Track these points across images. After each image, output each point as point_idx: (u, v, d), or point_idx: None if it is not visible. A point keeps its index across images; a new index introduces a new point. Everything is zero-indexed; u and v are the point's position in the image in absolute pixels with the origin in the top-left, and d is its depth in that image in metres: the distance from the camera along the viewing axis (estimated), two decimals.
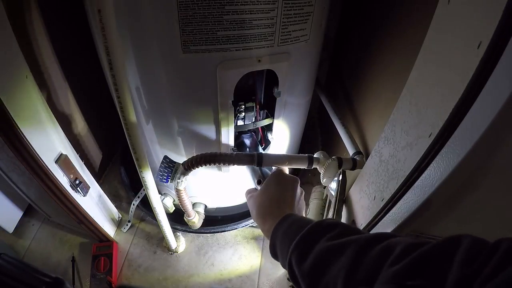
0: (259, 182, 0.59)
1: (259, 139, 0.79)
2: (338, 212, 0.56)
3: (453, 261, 0.19)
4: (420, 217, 0.35)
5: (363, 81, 0.76)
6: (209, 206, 0.99)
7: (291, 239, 0.34)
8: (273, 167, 0.59)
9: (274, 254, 0.39)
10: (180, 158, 0.74)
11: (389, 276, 0.22)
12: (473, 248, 0.19)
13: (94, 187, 0.92)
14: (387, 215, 0.40)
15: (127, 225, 1.07)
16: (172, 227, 0.90)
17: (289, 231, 0.37)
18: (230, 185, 0.91)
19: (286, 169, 0.57)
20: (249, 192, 0.55)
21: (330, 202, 0.69)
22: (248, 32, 0.52)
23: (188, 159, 0.58)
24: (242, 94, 0.65)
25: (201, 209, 0.95)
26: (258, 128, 0.76)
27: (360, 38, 0.82)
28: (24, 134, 0.61)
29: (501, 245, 0.18)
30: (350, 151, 0.67)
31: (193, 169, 0.58)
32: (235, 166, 0.59)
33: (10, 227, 1.04)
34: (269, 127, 0.78)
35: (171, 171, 0.62)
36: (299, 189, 0.51)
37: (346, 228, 0.33)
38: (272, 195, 0.48)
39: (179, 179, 0.61)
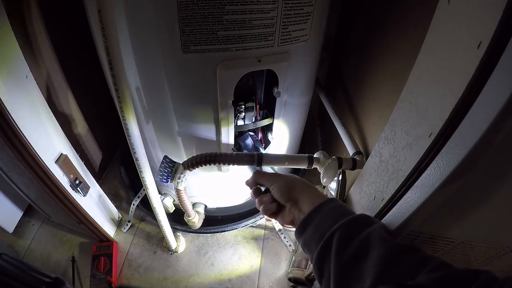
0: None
1: (259, 139, 0.79)
2: None
3: (471, 285, 0.23)
4: (420, 217, 0.35)
5: (363, 81, 0.76)
6: (209, 206, 0.99)
7: (338, 217, 0.35)
8: (275, 167, 0.59)
9: (304, 228, 0.38)
10: (180, 158, 0.74)
11: (426, 280, 0.25)
12: (489, 279, 0.23)
13: (94, 187, 0.92)
14: (387, 215, 0.40)
15: (127, 225, 1.07)
16: (172, 227, 0.90)
17: (337, 210, 0.37)
18: (230, 185, 0.91)
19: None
20: (256, 190, 0.49)
21: None
22: (248, 32, 0.52)
23: (188, 159, 0.58)
24: (242, 94, 0.65)
25: (201, 209, 0.95)
26: (258, 128, 0.76)
27: (360, 38, 0.82)
28: (24, 134, 0.61)
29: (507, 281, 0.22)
30: (350, 151, 0.67)
31: (193, 169, 0.58)
32: (235, 166, 0.59)
33: (10, 227, 1.05)
34: (269, 127, 0.78)
35: (171, 171, 0.62)
36: None
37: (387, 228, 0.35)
38: (294, 177, 0.46)
39: (179, 179, 0.61)
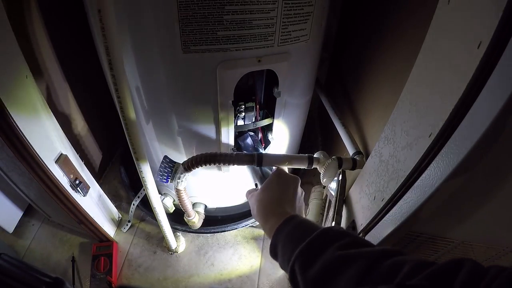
0: (256, 186, 0.59)
1: (259, 139, 0.79)
2: (338, 212, 0.56)
3: (454, 282, 0.21)
4: (420, 217, 0.35)
5: (363, 81, 0.76)
6: (209, 206, 0.99)
7: (296, 243, 0.34)
8: (274, 167, 0.59)
9: (274, 254, 0.39)
10: (180, 158, 0.74)
11: (423, 281, 0.23)
12: (473, 271, 0.21)
13: (94, 187, 0.92)
14: (387, 215, 0.40)
15: (127, 225, 1.07)
16: (172, 227, 0.90)
17: (293, 234, 0.36)
18: (230, 185, 0.91)
19: (286, 169, 0.57)
20: (250, 192, 0.54)
21: (330, 202, 0.69)
22: (248, 32, 0.52)
23: (188, 159, 0.58)
24: (242, 94, 0.65)
25: (201, 209, 0.95)
26: (258, 128, 0.76)
27: (360, 38, 0.82)
28: (24, 134, 0.61)
29: (490, 270, 0.21)
30: (350, 151, 0.67)
31: (193, 169, 0.58)
32: (235, 166, 0.59)
33: (10, 227, 1.04)
34: (269, 127, 0.78)
35: (171, 171, 0.62)
36: (299, 189, 0.51)
37: (355, 238, 0.33)
38: (274, 193, 0.47)
39: (179, 179, 0.61)
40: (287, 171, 0.56)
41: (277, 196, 0.47)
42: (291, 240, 0.36)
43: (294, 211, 0.45)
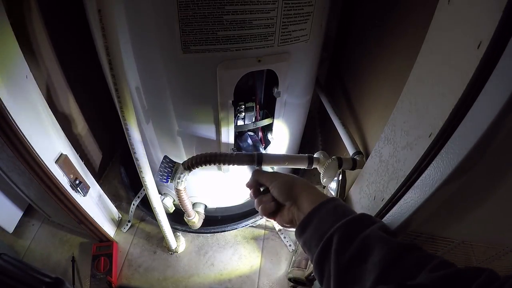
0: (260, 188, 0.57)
1: (259, 139, 0.79)
2: None
3: (472, 284, 0.23)
4: (420, 217, 0.35)
5: (363, 81, 0.76)
6: (209, 206, 0.99)
7: (337, 218, 0.34)
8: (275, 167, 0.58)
9: (303, 229, 0.37)
10: (180, 158, 0.74)
11: (427, 280, 0.25)
12: (491, 276, 0.23)
13: (94, 187, 0.92)
14: (387, 215, 0.40)
15: (127, 225, 1.07)
16: (172, 227, 0.90)
17: (336, 210, 0.37)
18: (230, 185, 0.91)
19: None
20: (261, 170, 0.49)
21: None
22: (248, 32, 0.52)
23: (188, 159, 0.58)
24: (242, 94, 0.65)
25: (201, 209, 0.95)
26: (258, 128, 0.76)
27: (360, 38, 0.82)
28: (24, 134, 0.61)
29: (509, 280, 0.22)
30: (350, 151, 0.67)
31: (193, 169, 0.58)
32: (235, 166, 0.59)
33: (10, 227, 1.04)
34: (269, 127, 0.78)
35: (171, 171, 0.62)
36: None
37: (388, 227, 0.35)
38: (293, 176, 0.45)
39: (179, 179, 0.61)
40: (287, 171, 0.56)
41: (300, 179, 0.45)
42: (332, 216, 0.36)
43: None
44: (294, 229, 0.40)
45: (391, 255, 0.29)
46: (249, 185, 0.47)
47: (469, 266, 0.25)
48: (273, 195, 0.43)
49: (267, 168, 0.62)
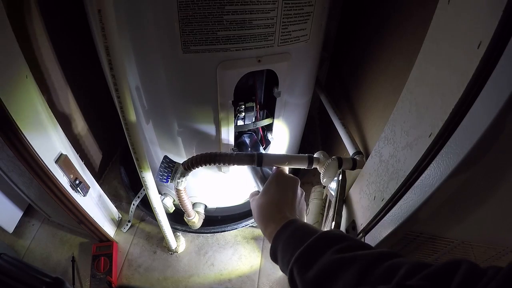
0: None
1: (259, 139, 0.79)
2: (338, 212, 0.56)
3: (451, 283, 0.21)
4: (420, 217, 0.35)
5: (363, 81, 0.76)
6: (209, 206, 0.99)
7: (294, 247, 0.34)
8: (274, 167, 0.59)
9: (275, 258, 0.39)
10: (180, 158, 0.74)
11: (422, 281, 0.23)
12: (470, 272, 0.21)
13: (94, 187, 0.92)
14: (387, 215, 0.40)
15: (127, 225, 1.07)
16: (172, 227, 0.90)
17: (292, 238, 0.37)
18: (230, 185, 0.91)
19: (286, 169, 0.57)
20: (253, 195, 0.54)
21: (330, 202, 0.69)
22: (248, 32, 0.52)
23: (188, 159, 0.58)
24: (242, 94, 0.65)
25: (201, 209, 0.95)
26: (258, 128, 0.76)
27: (360, 38, 0.82)
28: (24, 134, 0.61)
29: (488, 271, 0.20)
30: (350, 151, 0.67)
31: (193, 169, 0.58)
32: (235, 166, 0.59)
33: (10, 227, 1.04)
34: (269, 127, 0.78)
35: (171, 171, 0.62)
36: (299, 190, 0.51)
37: (353, 241, 0.33)
38: (273, 197, 0.47)
39: (179, 179, 0.61)
40: (287, 171, 0.56)
41: (276, 199, 0.47)
42: (289, 244, 0.36)
43: (294, 213, 0.45)
44: None
45: (356, 276, 0.27)
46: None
47: (441, 264, 0.23)
48: None
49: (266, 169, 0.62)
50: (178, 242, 0.99)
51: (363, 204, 0.49)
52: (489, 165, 0.28)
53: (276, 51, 0.58)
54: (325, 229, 0.56)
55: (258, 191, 0.57)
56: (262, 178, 0.60)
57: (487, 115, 0.24)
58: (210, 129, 0.68)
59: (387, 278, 0.25)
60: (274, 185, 0.49)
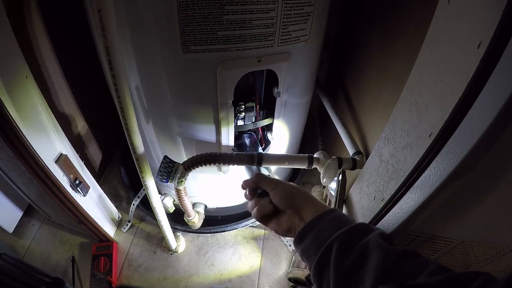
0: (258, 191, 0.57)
1: (259, 139, 0.79)
2: None
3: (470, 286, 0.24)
4: (420, 217, 0.35)
5: (363, 81, 0.76)
6: (209, 206, 0.99)
7: (336, 228, 0.35)
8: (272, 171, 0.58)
9: (302, 238, 0.38)
10: (180, 158, 0.74)
11: (427, 282, 0.26)
12: (485, 281, 0.23)
13: (94, 187, 0.92)
14: (387, 215, 0.40)
15: (127, 225, 1.07)
16: (172, 227, 0.90)
17: (336, 220, 0.37)
18: (230, 185, 0.91)
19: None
20: (264, 175, 0.48)
21: (330, 202, 0.69)
22: (248, 32, 0.52)
23: (188, 159, 0.58)
24: (242, 94, 0.65)
25: (201, 209, 0.95)
26: (258, 128, 0.76)
27: (360, 38, 0.82)
28: (24, 134, 0.61)
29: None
30: (350, 151, 0.67)
31: (193, 169, 0.58)
32: (235, 166, 0.59)
33: (10, 227, 1.04)
34: (269, 127, 0.78)
35: (171, 171, 0.62)
36: None
37: (387, 234, 0.35)
38: (302, 189, 0.45)
39: (179, 179, 0.61)
40: (287, 171, 0.55)
41: (301, 189, 0.45)
42: (331, 225, 0.36)
43: None
44: (287, 237, 0.41)
45: (389, 260, 0.29)
46: (246, 184, 0.47)
47: (466, 271, 0.26)
48: (273, 201, 0.43)
49: (264, 170, 0.62)
50: (178, 242, 0.99)
51: (363, 204, 0.49)
52: (489, 165, 0.28)
53: (276, 51, 0.58)
54: None
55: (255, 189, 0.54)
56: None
57: (487, 115, 0.24)
58: (210, 129, 0.68)
59: (419, 270, 0.28)
60: (284, 182, 0.48)
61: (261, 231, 1.06)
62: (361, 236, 0.33)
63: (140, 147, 0.60)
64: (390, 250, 0.30)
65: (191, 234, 1.04)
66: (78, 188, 0.80)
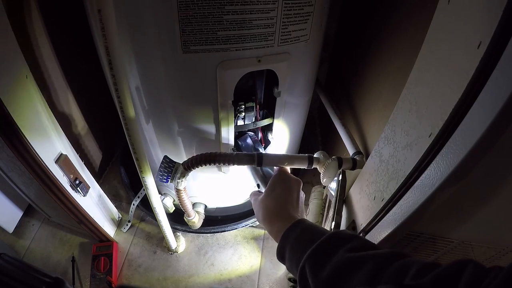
0: (258, 186, 0.59)
1: (259, 139, 0.79)
2: (338, 212, 0.56)
3: (458, 284, 0.22)
4: (420, 217, 0.35)
5: (363, 81, 0.76)
6: (209, 206, 0.99)
7: (305, 246, 0.34)
8: (274, 167, 0.58)
9: (282, 257, 0.39)
10: (180, 158, 0.74)
11: (425, 281, 0.24)
12: (475, 273, 0.22)
13: (94, 187, 0.92)
14: (387, 215, 0.40)
15: (127, 225, 1.07)
16: (172, 227, 0.90)
17: (302, 237, 0.37)
18: (230, 185, 0.91)
19: (288, 169, 0.57)
20: (254, 194, 0.54)
21: (330, 202, 0.69)
22: (248, 32, 0.52)
23: (188, 159, 0.58)
24: (242, 94, 0.65)
25: (201, 209, 0.95)
26: (258, 128, 0.76)
27: (360, 38, 0.82)
28: (24, 134, 0.61)
29: (492, 271, 0.21)
30: (350, 151, 0.67)
31: (193, 169, 0.58)
32: (235, 166, 0.59)
33: (10, 227, 1.04)
34: (269, 127, 0.78)
35: (171, 171, 0.62)
36: (301, 192, 0.51)
37: (364, 241, 0.34)
38: (279, 197, 0.47)
39: (179, 179, 0.61)
40: (290, 171, 0.56)
41: (282, 200, 0.47)
42: (300, 243, 0.36)
43: (298, 214, 0.45)
44: None
45: (368, 275, 0.28)
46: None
47: (447, 265, 0.24)
48: None
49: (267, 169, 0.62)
50: (178, 242, 0.99)
51: (363, 204, 0.49)
52: (489, 165, 0.28)
53: (276, 51, 0.58)
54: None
55: (259, 191, 0.57)
56: (262, 177, 0.60)
57: (487, 115, 0.24)
58: (210, 129, 0.68)
59: (398, 277, 0.26)
60: (279, 184, 0.49)
61: (261, 231, 1.06)
62: (330, 253, 0.32)
63: (140, 147, 0.60)
64: (365, 264, 0.29)
65: (191, 234, 1.04)
66: (78, 188, 0.80)
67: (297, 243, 0.37)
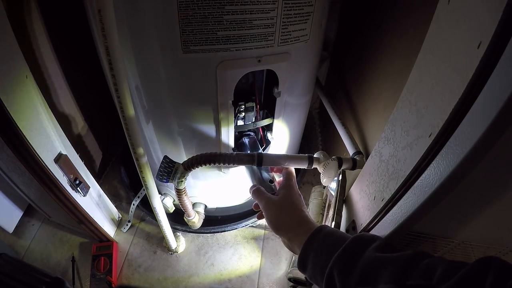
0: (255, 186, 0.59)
1: (259, 139, 0.79)
2: (338, 212, 0.56)
3: (484, 284, 0.22)
4: (420, 217, 0.35)
5: (363, 81, 0.76)
6: (209, 206, 0.99)
7: (330, 251, 0.34)
8: (271, 173, 0.59)
9: (304, 265, 0.38)
10: (180, 158, 0.74)
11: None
12: (499, 272, 0.22)
13: (94, 187, 0.92)
14: (387, 215, 0.40)
15: (127, 225, 1.07)
16: (172, 227, 0.90)
17: (326, 243, 0.37)
18: (230, 185, 0.91)
19: (293, 172, 0.56)
20: (258, 193, 0.51)
21: (330, 202, 0.69)
22: (248, 32, 0.52)
23: (188, 159, 0.58)
24: (242, 94, 0.65)
25: (201, 209, 0.95)
26: (258, 128, 0.76)
27: (360, 38, 0.82)
28: (24, 134, 0.61)
29: None
30: (350, 151, 0.67)
31: (193, 169, 0.58)
32: (235, 166, 0.59)
33: (10, 227, 1.04)
34: (269, 127, 0.78)
35: (171, 171, 0.62)
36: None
37: (386, 240, 0.34)
38: (292, 206, 0.46)
39: (179, 179, 0.61)
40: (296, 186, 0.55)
41: (295, 206, 0.46)
42: (323, 249, 0.36)
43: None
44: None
45: (396, 275, 0.28)
46: (255, 207, 0.52)
47: (471, 265, 0.24)
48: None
49: (266, 174, 0.62)
50: (178, 242, 0.99)
51: (363, 204, 0.49)
52: (489, 165, 0.28)
53: (276, 51, 0.58)
54: None
55: (259, 187, 0.55)
56: (260, 180, 0.60)
57: (487, 115, 0.24)
58: (210, 129, 0.68)
59: (427, 277, 0.27)
60: (289, 197, 0.48)
61: (261, 231, 1.07)
62: (357, 255, 0.33)
63: (140, 147, 0.60)
64: (393, 263, 0.29)
65: (191, 234, 1.04)
66: (78, 188, 0.80)
67: (321, 249, 0.37)
